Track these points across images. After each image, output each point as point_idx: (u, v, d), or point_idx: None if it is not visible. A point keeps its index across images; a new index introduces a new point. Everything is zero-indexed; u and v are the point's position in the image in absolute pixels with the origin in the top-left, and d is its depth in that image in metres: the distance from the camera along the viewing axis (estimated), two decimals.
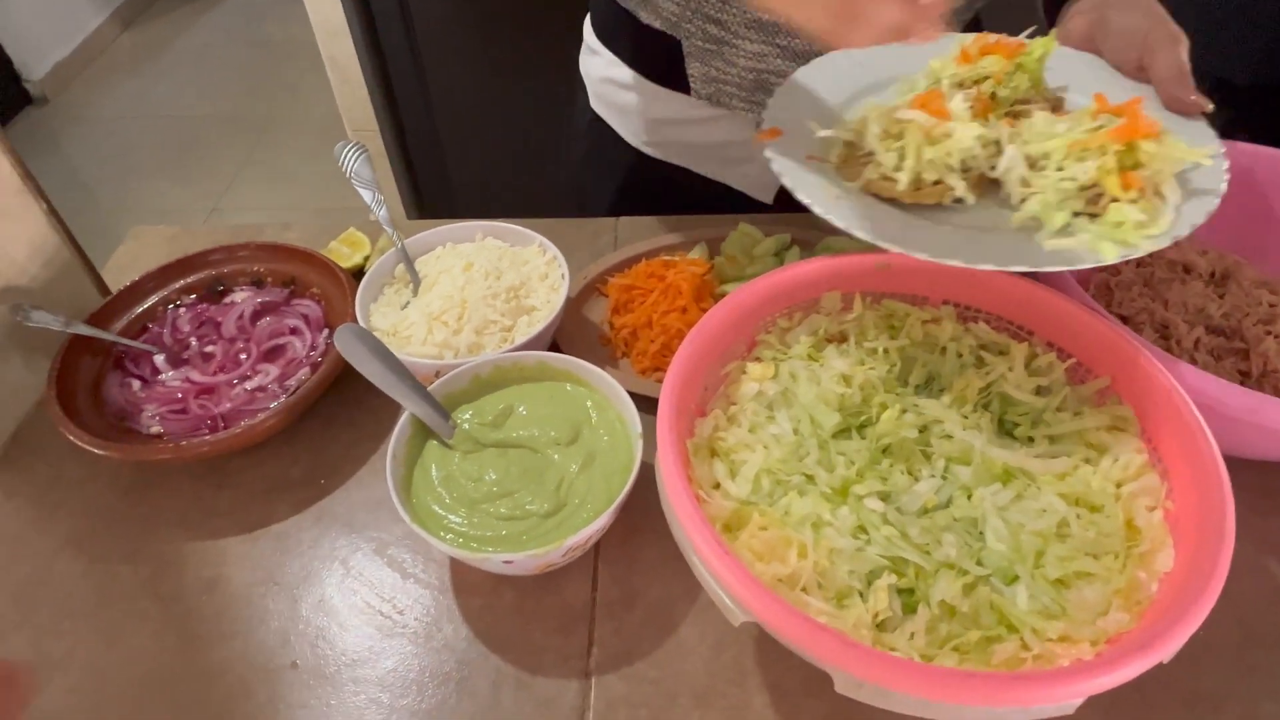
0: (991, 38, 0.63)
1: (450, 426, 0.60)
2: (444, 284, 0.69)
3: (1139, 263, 0.74)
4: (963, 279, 0.58)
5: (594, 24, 0.92)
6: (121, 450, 0.61)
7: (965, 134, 0.54)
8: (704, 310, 0.73)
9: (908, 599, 0.46)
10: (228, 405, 0.66)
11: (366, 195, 0.76)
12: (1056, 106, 0.61)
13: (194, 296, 0.76)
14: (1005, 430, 0.54)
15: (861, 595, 0.45)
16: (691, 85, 0.84)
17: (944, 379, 0.57)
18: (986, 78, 0.59)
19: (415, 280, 0.72)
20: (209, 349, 0.71)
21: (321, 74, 2.05)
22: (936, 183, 0.56)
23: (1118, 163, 0.53)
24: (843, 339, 0.60)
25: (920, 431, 0.53)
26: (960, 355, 0.57)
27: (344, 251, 0.82)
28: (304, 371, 0.69)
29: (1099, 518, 0.47)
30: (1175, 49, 0.62)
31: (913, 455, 0.53)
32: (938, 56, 0.62)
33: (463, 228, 0.76)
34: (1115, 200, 0.53)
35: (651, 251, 0.82)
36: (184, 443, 0.61)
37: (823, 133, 0.59)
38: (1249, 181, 0.72)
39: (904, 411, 0.54)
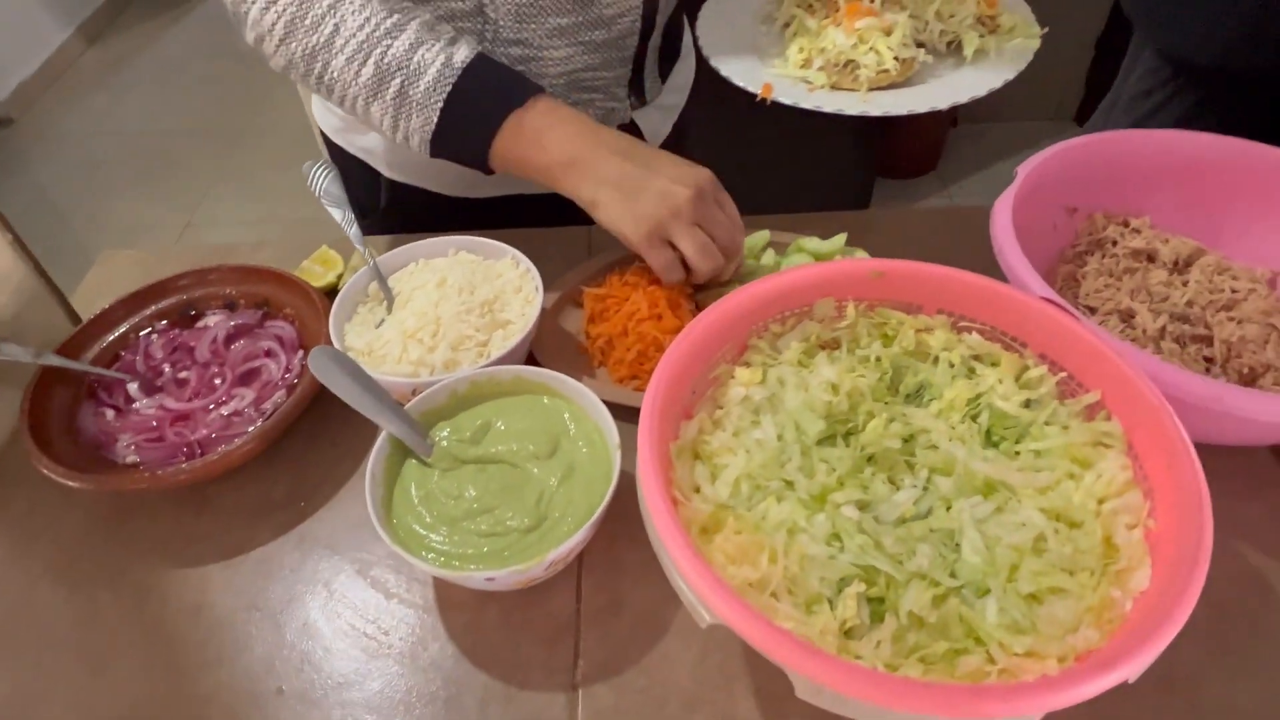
0: None
1: (428, 444, 0.60)
2: (418, 301, 0.69)
3: (1103, 254, 0.75)
4: (957, 288, 0.59)
5: None
6: (97, 482, 0.61)
7: (903, 18, 0.77)
8: (680, 318, 0.74)
9: (877, 608, 0.46)
10: (204, 432, 0.66)
11: (337, 214, 0.75)
12: None
13: (166, 322, 0.75)
14: (992, 442, 0.55)
15: (831, 603, 0.46)
16: None
17: (935, 388, 0.57)
18: None
19: (389, 298, 0.72)
20: (183, 375, 0.71)
21: (291, 83, 2.03)
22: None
23: None
24: (835, 345, 0.61)
25: (906, 441, 0.54)
26: (952, 365, 0.58)
27: (317, 270, 0.82)
28: (280, 394, 0.69)
29: (1077, 534, 0.48)
30: None
31: (896, 464, 0.53)
32: None
33: (435, 243, 0.76)
34: (994, 17, 0.80)
35: (626, 260, 0.82)
36: (160, 472, 0.61)
37: (814, 68, 0.79)
38: (1207, 169, 0.73)
39: (891, 420, 0.55)
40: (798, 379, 0.58)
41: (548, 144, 0.68)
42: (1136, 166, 0.75)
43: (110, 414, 0.68)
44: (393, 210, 0.98)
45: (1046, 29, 0.80)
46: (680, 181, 0.67)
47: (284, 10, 0.67)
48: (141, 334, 0.74)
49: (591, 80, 0.86)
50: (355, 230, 0.75)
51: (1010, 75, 0.77)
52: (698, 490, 0.53)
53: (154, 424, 0.67)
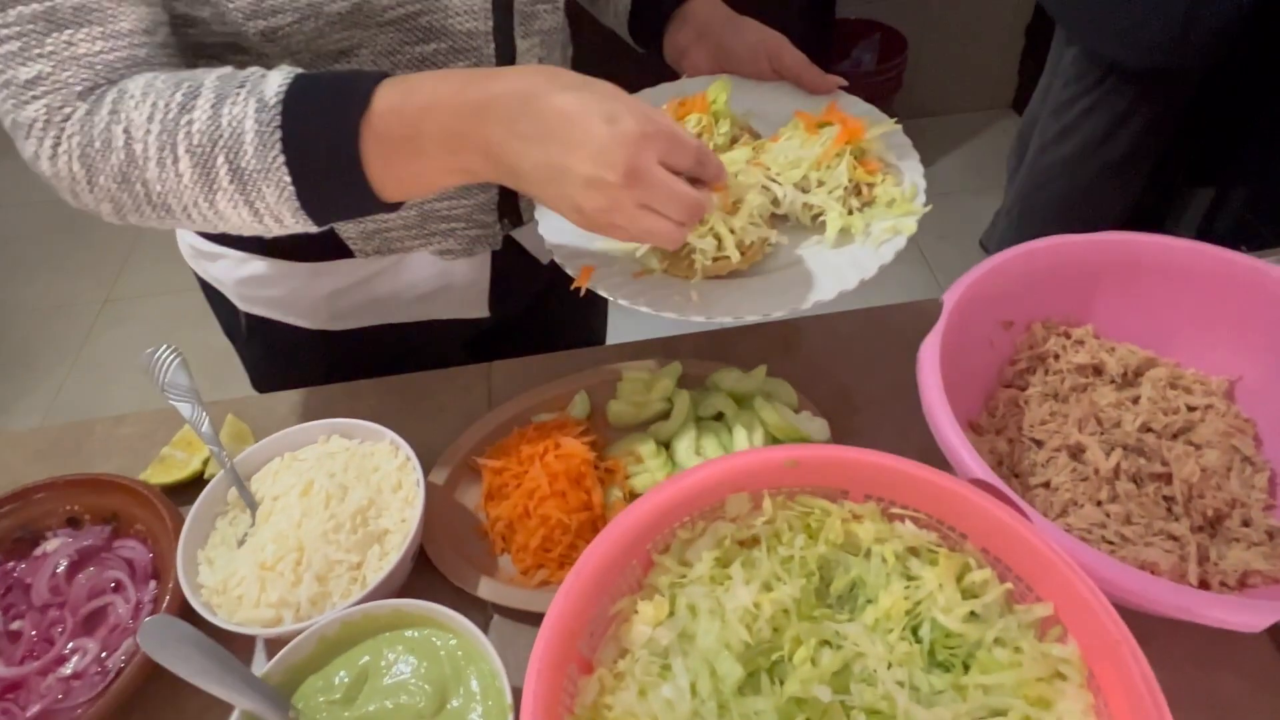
0: (672, 97, 0.75)
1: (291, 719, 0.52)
2: (279, 518, 0.60)
3: (1045, 370, 0.68)
4: (880, 472, 0.52)
5: None
6: None
7: (753, 194, 0.62)
8: (586, 490, 0.66)
9: None
10: (38, 707, 0.56)
11: (185, 409, 0.66)
12: (752, 133, 0.73)
13: None
14: (937, 661, 0.48)
15: None
16: (351, 246, 0.75)
17: (869, 588, 0.50)
18: (700, 133, 0.70)
19: (252, 507, 0.63)
20: (15, 626, 0.61)
21: None
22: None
23: (854, 157, 0.67)
24: (755, 543, 0.53)
25: (837, 673, 0.47)
26: (885, 560, 0.51)
27: (178, 458, 0.72)
28: (129, 642, 0.59)
29: None
30: (791, 48, 0.79)
31: (830, 711, 0.46)
32: None
33: (302, 430, 0.66)
34: (871, 185, 0.67)
35: (524, 414, 0.74)
36: None
37: (640, 252, 0.64)
38: (1149, 271, 0.67)
39: (822, 644, 0.48)
40: (711, 603, 0.50)
41: (425, 144, 0.52)
42: (1074, 272, 0.68)
43: None
44: (254, 343, 0.88)
45: (929, 206, 0.65)
46: (604, 164, 0.49)
47: (70, 145, 0.53)
48: None
49: (449, 210, 0.76)
50: (207, 428, 0.65)
51: (869, 273, 0.61)
52: None
53: None
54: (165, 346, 0.68)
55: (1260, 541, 0.58)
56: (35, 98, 0.53)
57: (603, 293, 0.63)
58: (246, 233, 0.58)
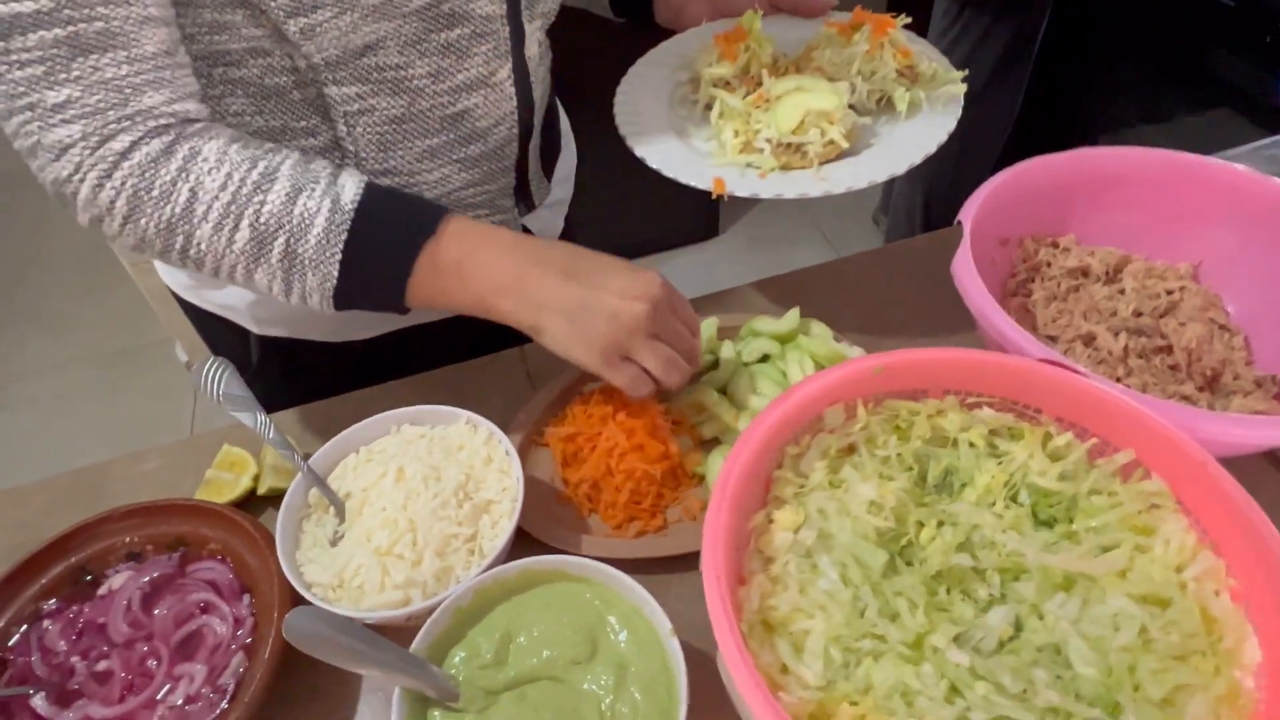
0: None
1: (451, 686, 0.51)
2: (378, 504, 0.59)
3: (1042, 278, 0.77)
4: (958, 366, 0.57)
5: None
6: None
7: (834, 97, 0.73)
8: (663, 441, 0.68)
9: None
10: None
11: (247, 419, 0.64)
12: (785, 56, 0.84)
13: (56, 601, 0.61)
14: (1043, 522, 0.53)
15: None
16: None
17: (963, 472, 0.55)
18: (749, 60, 0.80)
19: (337, 505, 0.62)
20: (102, 666, 0.57)
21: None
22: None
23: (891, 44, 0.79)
24: (852, 450, 0.57)
25: (962, 545, 0.51)
26: (973, 445, 0.56)
27: (226, 479, 0.69)
28: (238, 658, 0.57)
29: (1173, 614, 0.47)
30: None
31: (966, 575, 0.50)
32: (697, 56, 0.84)
33: (372, 424, 0.66)
34: (911, 67, 0.78)
35: (574, 385, 0.75)
36: None
37: (765, 152, 0.73)
38: (1112, 180, 0.76)
39: (941, 525, 0.52)
40: (837, 504, 0.54)
41: (471, 274, 0.60)
42: (1055, 189, 0.77)
43: None
44: (268, 366, 0.86)
45: (966, 72, 0.77)
46: (631, 296, 0.60)
47: (123, 184, 0.55)
48: (26, 626, 0.60)
49: (473, 198, 0.78)
50: (275, 434, 0.63)
51: (952, 124, 0.73)
52: (785, 670, 0.48)
53: None
54: (211, 361, 0.65)
55: (1251, 390, 0.68)
56: (66, 121, 0.54)
57: (745, 194, 0.70)
58: (256, 294, 0.64)
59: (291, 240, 0.57)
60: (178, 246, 0.58)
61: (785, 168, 0.72)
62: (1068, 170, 0.76)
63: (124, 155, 0.55)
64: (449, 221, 0.60)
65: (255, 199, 0.57)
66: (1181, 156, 0.74)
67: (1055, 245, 0.78)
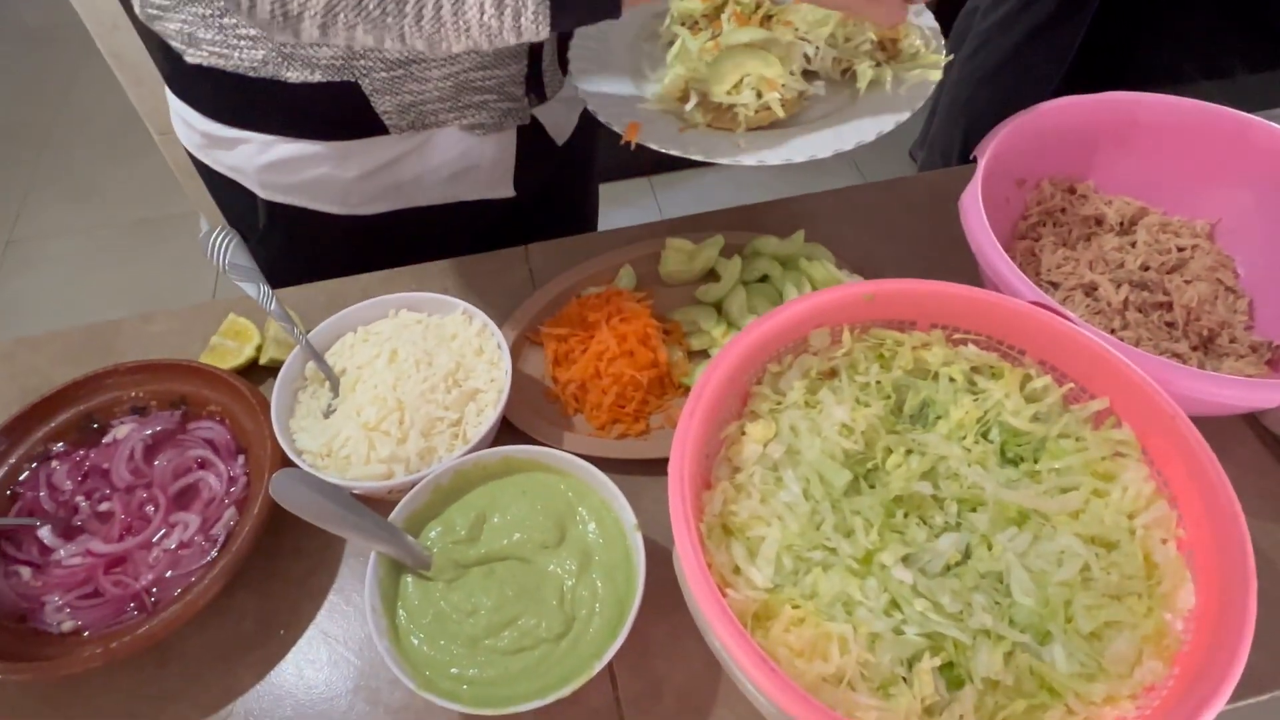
0: None
1: (425, 555, 0.54)
2: (370, 382, 0.62)
3: (1054, 223, 0.76)
4: (948, 300, 0.57)
5: (216, 110, 0.77)
6: (35, 670, 0.52)
7: (779, 65, 0.67)
8: (653, 349, 0.69)
9: (948, 673, 0.46)
10: (149, 576, 0.57)
11: (251, 289, 0.65)
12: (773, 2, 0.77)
13: (64, 444, 0.64)
14: (1009, 460, 0.54)
15: (905, 680, 0.45)
16: (386, 121, 0.76)
17: (939, 405, 0.56)
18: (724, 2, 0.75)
19: (332, 380, 0.64)
20: (104, 508, 0.61)
21: (100, 63, 1.77)
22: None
23: None
24: (833, 374, 0.58)
25: (925, 474, 0.53)
26: (953, 380, 0.57)
27: (229, 346, 0.72)
28: (229, 512, 0.60)
29: (1118, 556, 0.48)
30: None
31: (924, 503, 0.52)
32: None
33: (371, 306, 0.67)
34: (895, 40, 0.72)
35: (574, 288, 0.76)
36: (114, 645, 0.52)
37: (690, 106, 0.69)
38: (1141, 128, 0.74)
39: (909, 453, 0.54)
40: (810, 423, 0.56)
41: None
42: (1077, 132, 0.75)
43: (26, 572, 0.58)
44: (274, 232, 0.87)
45: (950, 56, 0.71)
46: None
47: None
48: (37, 463, 0.63)
49: (482, 81, 0.77)
50: (276, 307, 0.65)
51: (906, 114, 0.66)
52: (737, 571, 0.50)
53: (84, 576, 0.57)
54: (220, 229, 0.67)
55: (1245, 354, 0.68)
56: None
57: (654, 145, 0.66)
58: (452, 48, 0.56)
59: None
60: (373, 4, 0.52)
61: (711, 125, 0.69)
62: (1092, 113, 0.74)
63: None
64: None
65: None
66: (1211, 108, 0.72)
67: (1072, 191, 0.76)
